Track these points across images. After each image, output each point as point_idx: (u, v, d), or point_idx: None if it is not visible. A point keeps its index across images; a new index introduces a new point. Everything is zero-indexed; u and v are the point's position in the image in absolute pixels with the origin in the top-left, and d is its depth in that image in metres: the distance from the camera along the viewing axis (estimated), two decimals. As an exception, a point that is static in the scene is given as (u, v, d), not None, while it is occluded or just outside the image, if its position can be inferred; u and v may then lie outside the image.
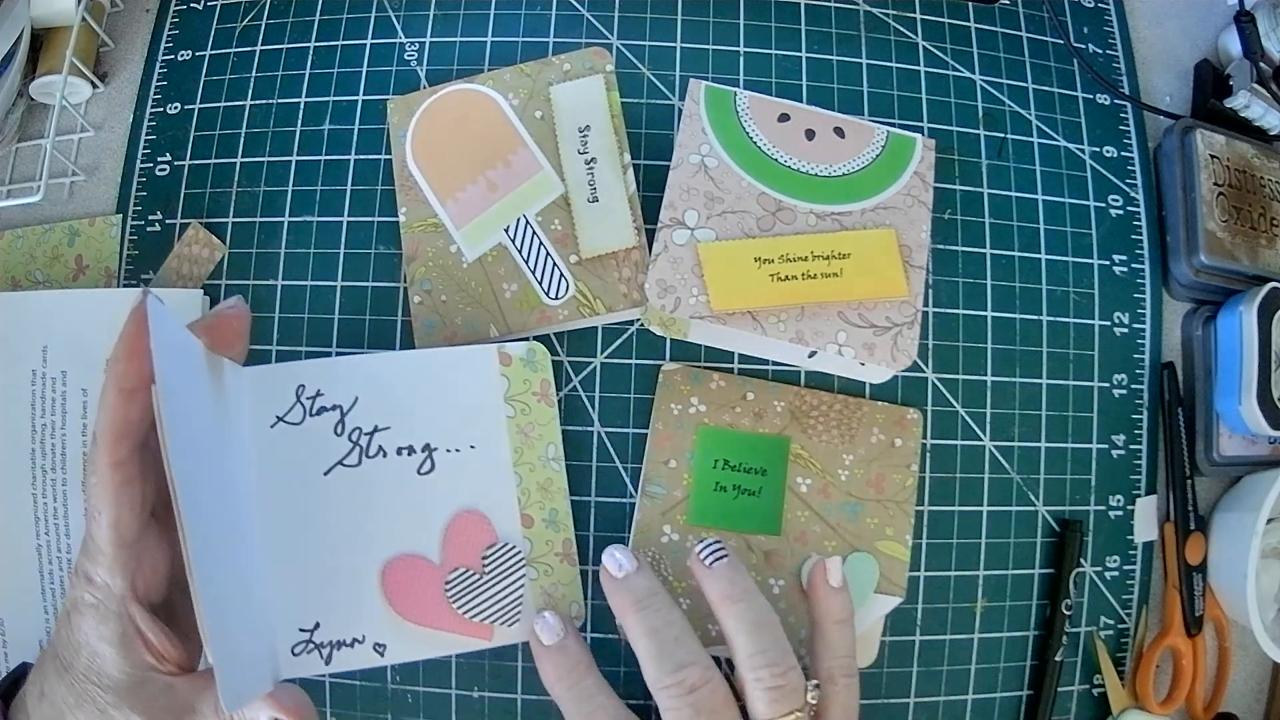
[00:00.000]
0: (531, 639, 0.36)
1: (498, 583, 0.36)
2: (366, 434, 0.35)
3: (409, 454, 0.36)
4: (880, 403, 0.43)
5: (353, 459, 0.35)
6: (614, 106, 0.44)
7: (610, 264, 0.42)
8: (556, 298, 0.42)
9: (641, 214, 0.42)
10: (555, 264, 0.42)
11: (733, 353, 0.43)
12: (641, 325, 0.43)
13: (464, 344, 0.42)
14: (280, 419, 0.34)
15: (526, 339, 0.41)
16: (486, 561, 0.36)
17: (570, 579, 0.37)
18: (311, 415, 0.35)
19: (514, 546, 0.36)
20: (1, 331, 0.42)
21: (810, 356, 0.41)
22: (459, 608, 0.35)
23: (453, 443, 0.36)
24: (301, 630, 0.33)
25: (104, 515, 0.29)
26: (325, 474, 0.34)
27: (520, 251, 0.42)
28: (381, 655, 0.34)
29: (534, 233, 0.42)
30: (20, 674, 0.32)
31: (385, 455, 0.35)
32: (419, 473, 0.36)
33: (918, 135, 0.42)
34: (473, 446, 0.36)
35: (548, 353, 0.38)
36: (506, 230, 0.42)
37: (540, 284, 0.42)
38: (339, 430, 0.35)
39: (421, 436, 0.36)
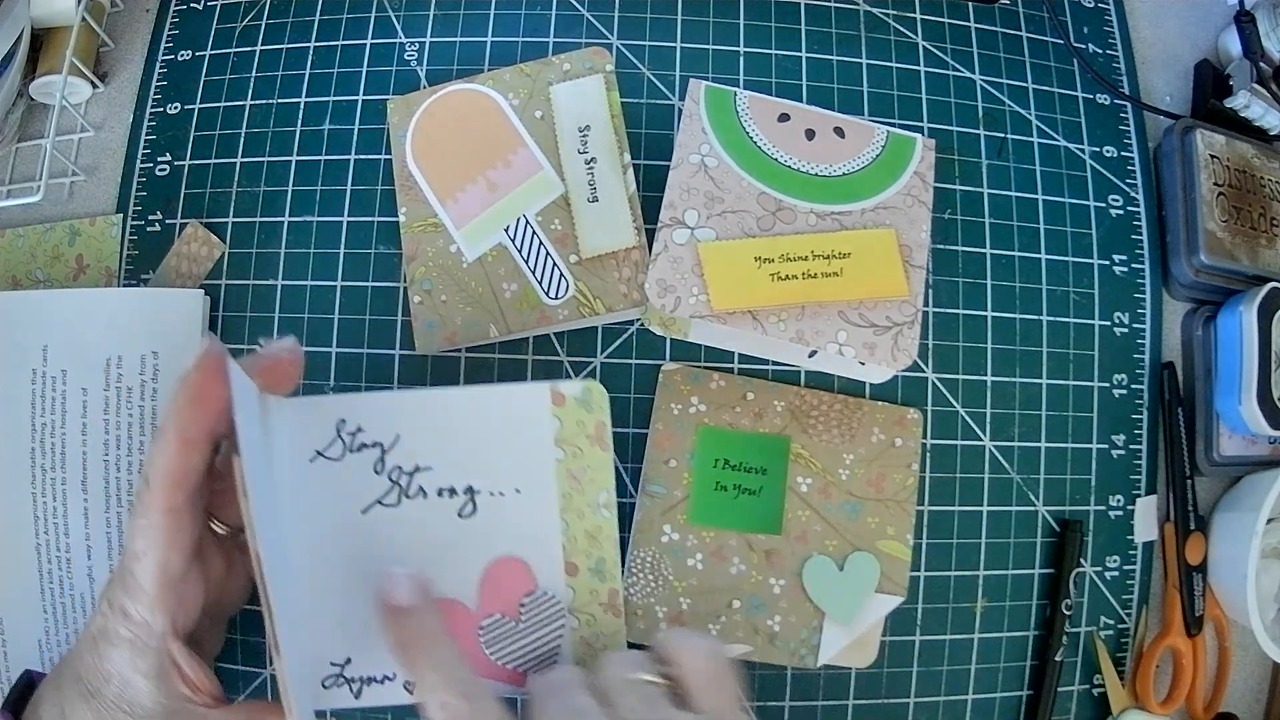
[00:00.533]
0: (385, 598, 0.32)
1: (534, 632, 0.34)
2: (407, 474, 0.34)
3: (450, 495, 0.34)
4: (880, 403, 0.43)
5: (391, 499, 0.34)
6: (614, 106, 0.44)
7: (610, 264, 0.42)
8: (556, 298, 0.42)
9: (641, 214, 0.42)
10: (555, 264, 0.42)
11: (733, 353, 0.43)
12: (641, 325, 0.43)
13: (464, 344, 0.42)
14: (320, 454, 0.33)
15: (576, 376, 0.40)
16: (524, 610, 0.34)
17: (614, 630, 0.35)
18: (352, 452, 0.33)
19: (553, 596, 0.35)
20: (1, 331, 0.42)
21: (810, 356, 0.41)
22: (493, 654, 0.34)
23: (497, 486, 0.34)
24: (333, 664, 0.33)
25: (151, 556, 0.29)
26: (363, 512, 0.34)
27: (520, 251, 0.42)
28: (411, 694, 0.33)
29: (534, 232, 0.42)
30: (27, 684, 0.32)
31: (425, 496, 0.34)
32: (459, 515, 0.34)
33: (918, 135, 0.42)
34: (518, 490, 0.34)
35: (605, 393, 0.34)
36: (506, 230, 0.42)
37: (540, 284, 0.42)
38: (379, 469, 0.34)
39: (464, 478, 0.34)
